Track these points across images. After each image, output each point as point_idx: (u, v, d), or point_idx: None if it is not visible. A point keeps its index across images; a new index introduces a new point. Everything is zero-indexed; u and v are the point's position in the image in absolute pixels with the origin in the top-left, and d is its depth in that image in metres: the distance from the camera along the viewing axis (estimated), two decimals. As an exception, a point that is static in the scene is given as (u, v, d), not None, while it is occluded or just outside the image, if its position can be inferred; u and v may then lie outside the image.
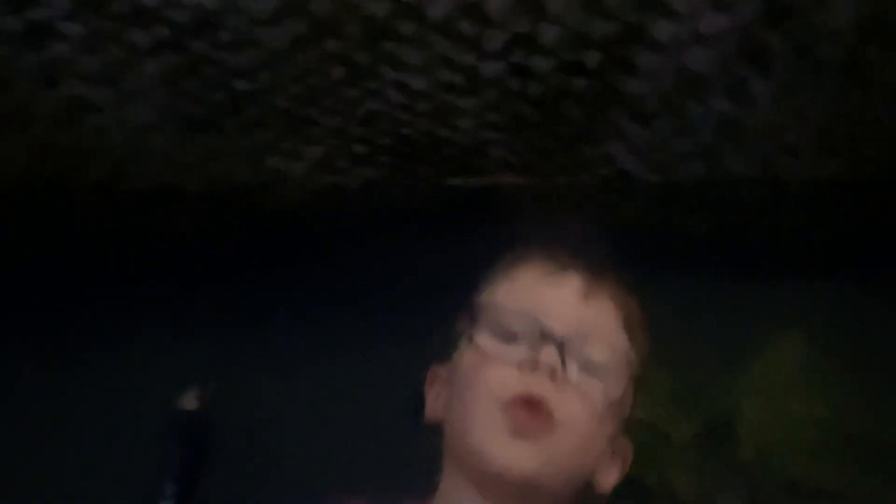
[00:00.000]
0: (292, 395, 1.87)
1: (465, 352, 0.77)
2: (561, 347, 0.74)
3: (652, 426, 1.75)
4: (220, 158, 2.06)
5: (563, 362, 0.73)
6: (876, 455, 1.76)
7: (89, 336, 1.94)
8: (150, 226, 1.99)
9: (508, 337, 0.76)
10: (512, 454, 0.72)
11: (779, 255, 2.09)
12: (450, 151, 2.18)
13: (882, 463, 1.76)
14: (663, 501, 1.71)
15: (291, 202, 2.11)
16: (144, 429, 1.77)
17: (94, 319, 1.95)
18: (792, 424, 1.76)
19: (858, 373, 1.85)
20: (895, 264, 2.06)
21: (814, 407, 1.74)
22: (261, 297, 2.00)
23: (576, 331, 0.76)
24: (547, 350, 0.74)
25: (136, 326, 1.95)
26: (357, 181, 2.16)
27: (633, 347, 0.83)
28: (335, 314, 1.96)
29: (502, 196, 2.21)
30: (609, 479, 0.84)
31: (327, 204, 2.14)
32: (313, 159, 2.12)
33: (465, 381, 0.77)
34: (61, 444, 1.81)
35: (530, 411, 0.73)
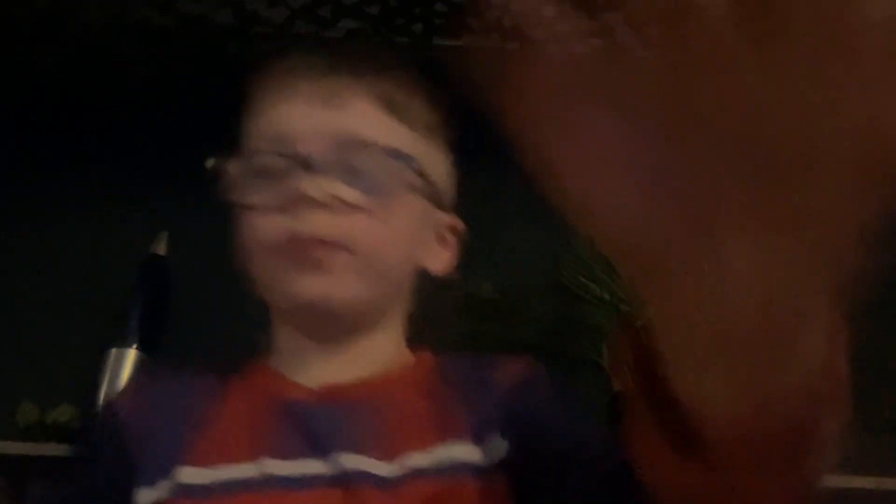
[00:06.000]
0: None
1: (235, 208, 0.70)
2: (319, 170, 0.67)
3: (612, 307, 1.77)
4: (196, -4, 1.98)
5: (326, 185, 0.66)
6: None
7: (50, 186, 1.92)
8: (109, 67, 1.93)
9: (265, 176, 0.69)
10: (308, 288, 0.67)
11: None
12: (442, 8, 2.10)
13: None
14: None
15: (267, 49, 2.04)
16: (116, 273, 1.79)
17: (61, 170, 1.93)
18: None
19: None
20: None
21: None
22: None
23: (330, 142, 0.68)
24: (305, 180, 0.66)
25: (107, 177, 1.93)
26: (340, 32, 2.09)
27: (412, 124, 0.74)
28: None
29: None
30: (440, 263, 0.76)
31: (306, 53, 2.07)
32: (295, 5, 2.04)
33: (241, 236, 0.71)
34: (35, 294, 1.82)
35: (303, 249, 0.66)
